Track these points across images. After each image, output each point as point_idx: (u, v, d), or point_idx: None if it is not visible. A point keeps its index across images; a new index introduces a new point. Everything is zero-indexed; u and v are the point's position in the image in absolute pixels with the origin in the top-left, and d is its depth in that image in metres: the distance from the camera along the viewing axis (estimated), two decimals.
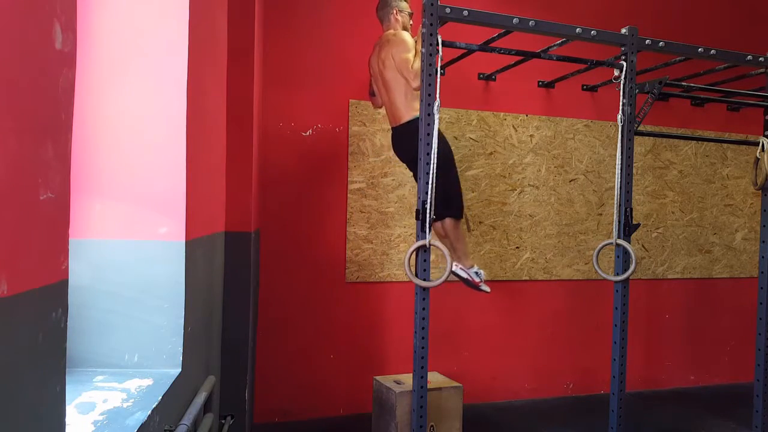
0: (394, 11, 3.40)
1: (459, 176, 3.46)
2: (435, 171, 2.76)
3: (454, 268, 3.39)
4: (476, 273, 3.43)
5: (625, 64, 3.09)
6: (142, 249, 1.92)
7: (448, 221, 3.35)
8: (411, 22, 3.48)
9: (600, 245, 3.26)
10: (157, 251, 1.93)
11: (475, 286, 3.44)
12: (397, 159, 4.08)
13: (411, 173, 3.53)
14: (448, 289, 3.97)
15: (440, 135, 3.25)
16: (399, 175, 4.06)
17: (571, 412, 4.25)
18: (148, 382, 1.79)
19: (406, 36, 3.30)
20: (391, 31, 3.39)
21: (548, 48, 3.36)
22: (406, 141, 3.31)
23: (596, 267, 3.23)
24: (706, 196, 4.91)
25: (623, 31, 3.12)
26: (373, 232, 4.05)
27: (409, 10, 3.45)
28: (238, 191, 3.07)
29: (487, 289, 3.48)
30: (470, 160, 4.24)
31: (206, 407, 2.31)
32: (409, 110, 3.29)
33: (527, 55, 3.32)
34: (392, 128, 3.45)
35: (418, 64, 3.16)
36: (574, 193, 4.51)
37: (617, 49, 3.17)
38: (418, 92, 3.23)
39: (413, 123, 3.22)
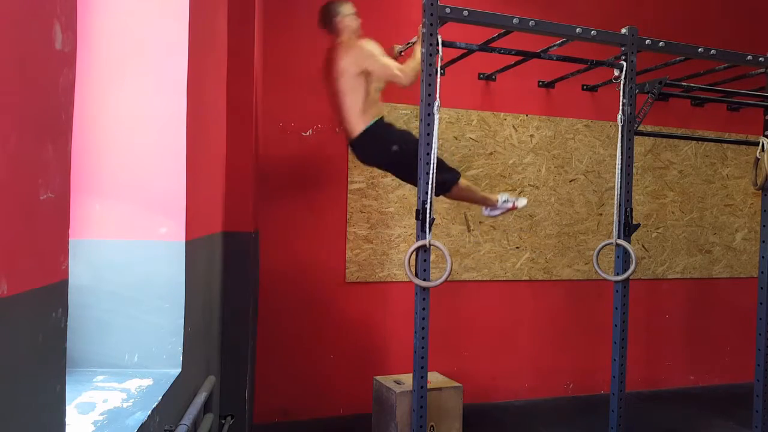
0: (338, 18, 3.26)
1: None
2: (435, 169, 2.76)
3: (486, 213, 3.50)
4: (505, 201, 3.44)
5: (625, 64, 3.09)
6: (142, 249, 1.91)
7: (453, 189, 3.30)
8: (359, 21, 3.34)
9: (600, 245, 3.26)
10: (157, 251, 1.92)
11: (514, 209, 3.50)
12: None
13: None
14: (448, 289, 3.98)
15: (397, 131, 3.25)
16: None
17: (571, 412, 4.25)
18: (148, 382, 1.79)
19: (366, 43, 3.18)
20: (344, 38, 3.25)
21: (548, 48, 3.36)
22: (367, 151, 3.27)
23: (596, 267, 3.23)
24: (706, 196, 4.91)
25: (623, 31, 3.12)
26: (373, 232, 4.05)
27: (352, 11, 3.30)
28: (238, 191, 3.07)
29: (523, 202, 3.50)
30: (470, 160, 4.24)
31: (206, 407, 2.31)
32: (363, 120, 3.17)
33: (527, 55, 3.32)
34: (350, 142, 3.30)
35: (408, 65, 3.13)
36: (574, 193, 4.51)
37: (617, 49, 3.17)
38: (375, 98, 3.20)
39: (371, 129, 3.18)
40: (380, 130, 3.22)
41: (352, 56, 3.15)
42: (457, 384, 3.58)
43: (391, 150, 3.19)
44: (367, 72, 3.16)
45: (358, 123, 3.18)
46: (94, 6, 1.87)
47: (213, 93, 2.56)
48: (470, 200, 3.48)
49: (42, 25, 0.93)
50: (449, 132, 4.18)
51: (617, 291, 3.18)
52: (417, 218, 2.80)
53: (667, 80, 3.22)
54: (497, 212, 3.47)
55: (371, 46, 3.18)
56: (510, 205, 3.45)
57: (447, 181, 3.19)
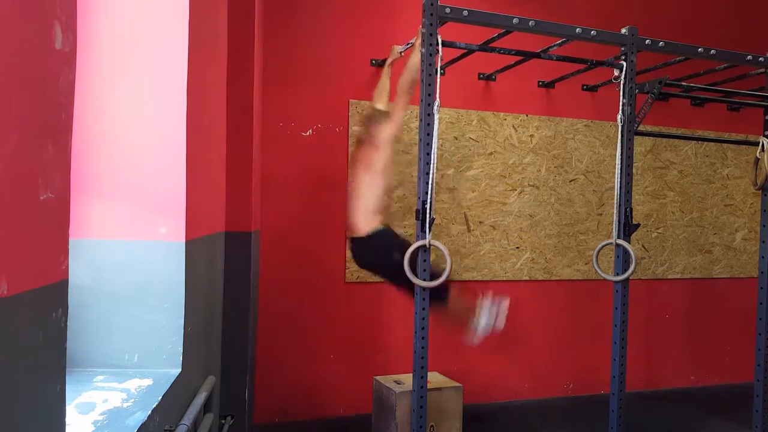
0: (377, 127, 3.26)
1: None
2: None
3: (479, 335, 3.28)
4: (486, 325, 3.26)
5: (625, 64, 3.09)
6: (142, 249, 1.92)
7: (448, 301, 3.25)
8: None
9: (600, 245, 3.26)
10: (157, 251, 1.93)
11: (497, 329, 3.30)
12: (398, 160, 4.08)
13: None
14: None
15: (398, 237, 3.24)
16: (399, 175, 4.06)
17: (571, 412, 4.25)
18: (148, 382, 1.79)
19: (386, 138, 3.19)
20: (377, 143, 3.23)
21: (548, 48, 3.36)
22: (374, 251, 3.21)
23: (596, 267, 3.23)
24: (706, 196, 4.91)
25: (623, 31, 3.12)
26: None
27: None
28: (238, 191, 3.07)
29: (502, 317, 3.30)
30: (470, 160, 4.24)
31: (206, 407, 2.31)
32: (372, 222, 3.15)
33: (527, 55, 3.32)
34: (352, 239, 3.29)
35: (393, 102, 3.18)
36: (574, 193, 4.51)
37: (617, 49, 3.17)
38: (387, 203, 3.20)
39: (377, 234, 3.15)
40: (385, 236, 3.19)
41: (381, 153, 3.18)
42: (457, 384, 3.58)
43: (393, 258, 3.05)
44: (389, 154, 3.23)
45: (366, 223, 3.16)
46: (94, 6, 1.87)
47: (213, 93, 2.56)
48: (462, 318, 3.34)
49: (42, 25, 0.93)
50: (449, 132, 4.18)
51: (617, 291, 3.18)
52: (417, 218, 2.80)
53: (667, 80, 3.22)
54: (481, 334, 3.27)
55: (385, 134, 3.20)
56: (492, 323, 3.26)
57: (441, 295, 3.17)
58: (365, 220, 3.16)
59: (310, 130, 3.93)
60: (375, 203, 3.16)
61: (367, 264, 3.35)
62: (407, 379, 3.46)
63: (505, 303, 3.32)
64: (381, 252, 3.17)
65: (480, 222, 4.28)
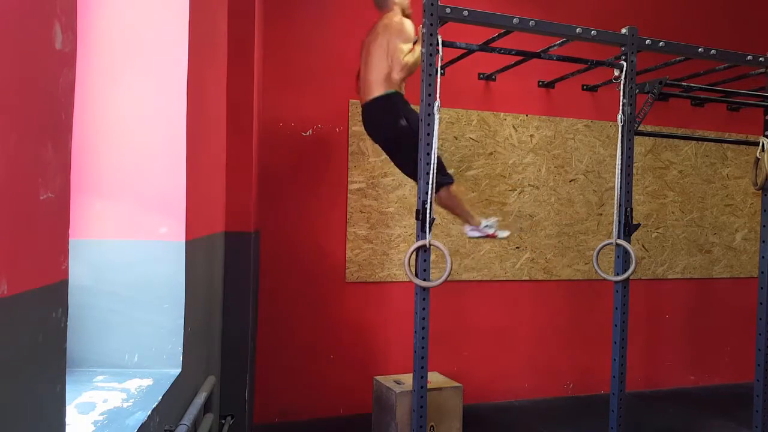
0: None
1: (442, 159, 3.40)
2: (435, 167, 2.76)
3: (467, 231, 3.46)
4: (487, 226, 3.41)
5: (625, 64, 3.09)
6: (142, 249, 1.91)
7: (441, 191, 3.24)
8: (408, 3, 3.36)
9: (600, 245, 3.26)
10: (157, 251, 1.93)
11: (493, 237, 3.48)
12: None
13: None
14: (448, 289, 3.97)
15: (411, 109, 3.23)
16: (399, 175, 4.05)
17: (571, 412, 4.25)
18: (148, 382, 1.79)
19: (408, 26, 3.20)
20: (392, 15, 3.26)
21: (548, 48, 3.36)
22: (376, 118, 3.28)
23: (596, 267, 3.23)
24: (706, 196, 4.91)
25: (623, 31, 3.12)
26: (373, 232, 4.05)
27: None
28: (238, 191, 3.07)
29: (504, 234, 3.50)
30: (470, 160, 4.24)
31: (206, 407, 2.31)
32: (382, 86, 3.21)
33: (527, 55, 3.32)
34: (362, 105, 3.36)
35: (409, 59, 3.10)
36: (574, 193, 4.51)
37: (617, 49, 3.17)
38: (396, 80, 3.20)
39: (382, 99, 3.20)
40: (396, 100, 3.22)
41: (392, 32, 3.18)
42: (457, 384, 3.58)
43: (399, 123, 3.18)
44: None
45: (377, 87, 3.22)
46: (94, 6, 1.87)
47: (213, 93, 2.56)
48: (455, 210, 3.42)
49: (42, 25, 0.93)
50: (449, 132, 4.18)
51: (617, 291, 3.18)
52: (417, 218, 2.80)
53: (667, 80, 3.22)
54: (477, 234, 3.44)
55: (407, 27, 3.19)
56: (491, 231, 3.41)
57: (440, 182, 3.14)
58: (379, 84, 3.21)
59: (310, 130, 3.93)
60: (387, 73, 3.18)
61: (375, 131, 3.39)
62: (407, 379, 3.46)
63: (504, 233, 3.51)
64: (390, 115, 3.21)
65: None
